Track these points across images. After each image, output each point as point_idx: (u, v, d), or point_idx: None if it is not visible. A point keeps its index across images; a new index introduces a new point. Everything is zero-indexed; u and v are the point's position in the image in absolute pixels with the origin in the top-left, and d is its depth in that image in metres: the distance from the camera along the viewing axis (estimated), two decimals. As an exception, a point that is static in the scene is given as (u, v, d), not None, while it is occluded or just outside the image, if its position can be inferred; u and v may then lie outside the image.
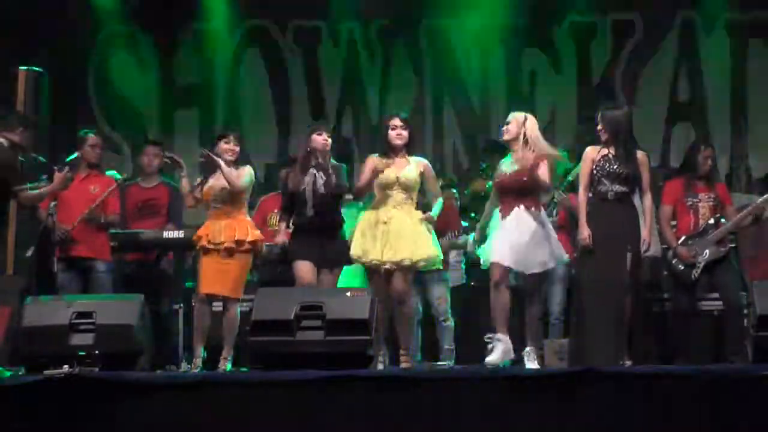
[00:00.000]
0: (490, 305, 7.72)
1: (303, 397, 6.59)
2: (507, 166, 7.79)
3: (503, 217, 7.72)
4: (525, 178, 7.71)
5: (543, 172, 7.70)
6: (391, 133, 7.90)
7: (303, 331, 7.24)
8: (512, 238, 7.64)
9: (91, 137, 8.99)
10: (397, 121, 7.94)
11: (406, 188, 7.85)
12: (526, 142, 7.76)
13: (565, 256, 7.96)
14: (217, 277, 8.03)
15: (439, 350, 9.05)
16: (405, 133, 7.90)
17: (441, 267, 8.27)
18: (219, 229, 8.03)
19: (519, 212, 7.69)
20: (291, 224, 8.17)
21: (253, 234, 8.13)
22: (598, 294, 7.73)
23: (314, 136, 8.06)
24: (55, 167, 8.26)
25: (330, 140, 8.08)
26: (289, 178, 8.13)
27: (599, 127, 7.86)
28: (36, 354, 7.49)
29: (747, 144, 10.95)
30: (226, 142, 8.18)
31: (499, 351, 7.58)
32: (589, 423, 6.37)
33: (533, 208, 7.72)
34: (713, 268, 8.62)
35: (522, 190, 7.73)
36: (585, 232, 7.73)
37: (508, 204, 7.72)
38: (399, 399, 6.54)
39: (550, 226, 7.88)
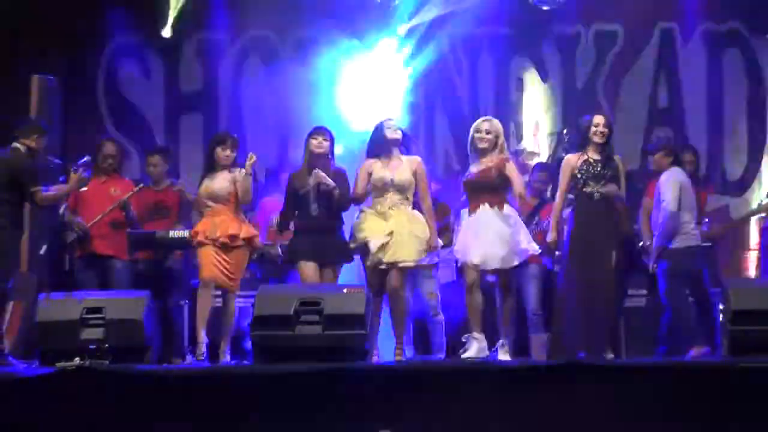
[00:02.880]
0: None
1: (302, 388, 6.62)
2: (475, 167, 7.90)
3: (470, 214, 7.85)
4: (492, 176, 7.83)
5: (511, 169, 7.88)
6: (387, 131, 7.96)
7: (302, 326, 7.28)
8: (477, 237, 7.75)
9: (108, 145, 9.06)
10: (391, 122, 8.07)
11: (400, 189, 7.89)
12: (495, 146, 7.90)
13: (530, 251, 7.95)
14: (217, 266, 8.03)
15: (431, 344, 9.05)
16: (398, 132, 8.01)
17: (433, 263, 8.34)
18: (214, 225, 8.05)
19: (484, 209, 7.79)
20: (293, 225, 8.21)
21: (247, 230, 8.16)
22: (583, 289, 7.77)
23: (310, 140, 8.12)
24: (72, 169, 8.30)
25: (326, 143, 8.11)
26: (294, 178, 8.15)
27: (601, 129, 7.89)
28: (49, 347, 7.53)
29: (723, 148, 10.96)
30: (222, 149, 8.21)
31: (474, 348, 7.70)
32: (573, 412, 6.40)
33: (497, 206, 7.80)
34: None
35: (489, 188, 7.83)
36: (553, 236, 7.82)
37: (475, 202, 7.83)
38: (393, 391, 6.57)
39: (519, 223, 7.91)
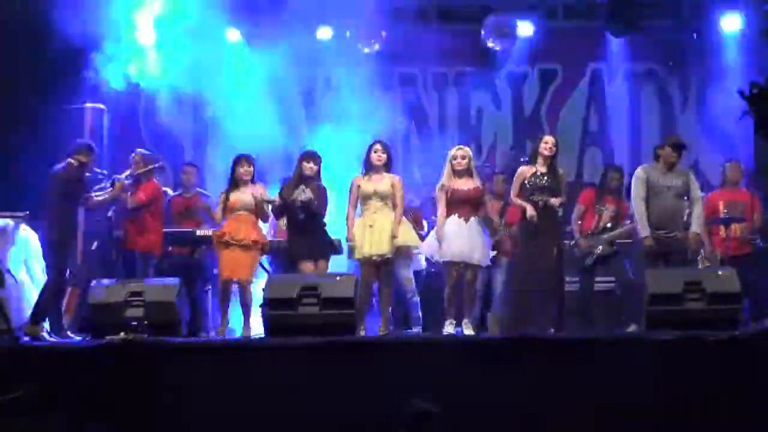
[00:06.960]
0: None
1: (303, 357, 6.61)
2: (460, 184, 7.85)
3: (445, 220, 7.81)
4: (480, 194, 7.89)
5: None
6: (374, 156, 7.97)
7: (303, 307, 7.27)
8: (455, 239, 7.75)
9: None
10: (378, 146, 8.03)
11: (382, 198, 7.91)
12: (469, 168, 7.92)
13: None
14: (235, 265, 8.01)
15: (409, 320, 9.02)
16: (384, 156, 7.99)
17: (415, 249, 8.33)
18: (239, 229, 8.03)
19: (459, 218, 7.80)
20: (287, 226, 8.24)
21: (263, 236, 8.21)
22: (532, 277, 7.77)
23: (303, 163, 8.13)
24: (115, 178, 8.31)
25: (315, 166, 8.11)
26: (285, 188, 8.17)
27: (552, 146, 7.87)
28: (99, 324, 7.52)
29: (641, 163, 10.98)
30: (241, 166, 8.20)
31: (450, 329, 7.75)
32: (523, 376, 6.41)
33: (469, 216, 7.83)
34: (607, 260, 8.59)
35: (471, 203, 7.84)
36: (530, 211, 7.75)
37: (465, 212, 7.80)
38: (379, 358, 6.56)
39: (483, 231, 7.94)
